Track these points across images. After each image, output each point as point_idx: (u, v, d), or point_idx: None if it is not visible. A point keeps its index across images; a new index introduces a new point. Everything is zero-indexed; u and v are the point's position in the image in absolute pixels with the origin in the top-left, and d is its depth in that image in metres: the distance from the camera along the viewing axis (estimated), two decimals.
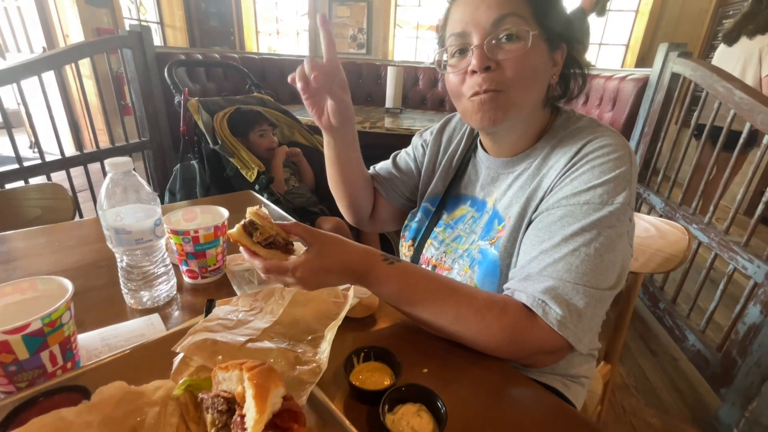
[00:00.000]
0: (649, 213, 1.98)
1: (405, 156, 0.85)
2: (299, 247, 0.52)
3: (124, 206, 0.52)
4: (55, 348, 0.40)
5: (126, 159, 0.50)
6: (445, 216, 0.75)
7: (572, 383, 0.70)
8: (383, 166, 0.87)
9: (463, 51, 0.57)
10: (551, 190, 0.56)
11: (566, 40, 0.59)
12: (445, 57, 0.60)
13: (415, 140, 0.85)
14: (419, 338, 0.54)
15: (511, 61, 0.54)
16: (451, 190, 0.76)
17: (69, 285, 0.43)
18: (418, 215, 0.80)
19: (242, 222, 0.47)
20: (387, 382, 0.44)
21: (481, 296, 0.51)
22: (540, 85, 0.58)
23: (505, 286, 0.55)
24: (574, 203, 0.52)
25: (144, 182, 0.53)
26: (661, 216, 1.83)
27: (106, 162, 0.48)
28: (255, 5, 5.57)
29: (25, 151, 3.82)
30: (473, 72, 0.54)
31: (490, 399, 0.46)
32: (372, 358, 0.47)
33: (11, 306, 0.42)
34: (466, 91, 0.57)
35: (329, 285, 0.52)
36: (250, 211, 0.48)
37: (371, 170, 0.87)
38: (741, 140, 1.45)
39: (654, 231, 0.91)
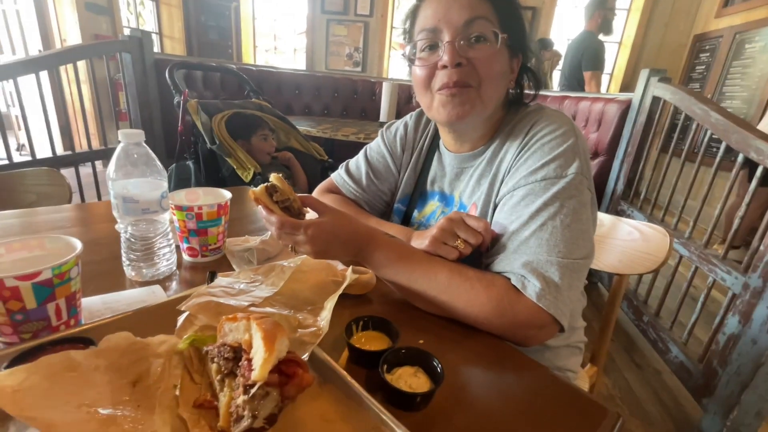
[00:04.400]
0: None
1: (381, 159, 0.82)
2: (310, 218, 0.55)
3: (132, 179, 0.54)
4: (62, 301, 0.41)
5: (138, 131, 0.51)
6: (416, 214, 0.78)
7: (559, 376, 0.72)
8: (359, 179, 0.82)
9: (433, 47, 0.60)
10: (509, 172, 0.60)
11: (523, 50, 0.64)
12: (413, 51, 0.62)
13: (389, 138, 0.82)
14: (415, 315, 0.56)
15: (481, 60, 0.58)
16: (418, 187, 0.78)
17: (78, 244, 0.43)
18: (393, 219, 0.81)
19: (265, 184, 0.52)
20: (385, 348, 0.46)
21: (471, 269, 0.54)
22: (503, 86, 0.62)
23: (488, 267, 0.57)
24: (533, 181, 0.56)
25: (153, 155, 0.54)
26: None
27: (119, 132, 0.50)
28: (254, 22, 5.69)
29: (13, 154, 3.75)
30: (444, 67, 0.58)
31: (484, 369, 0.48)
32: (371, 327, 0.49)
33: (19, 262, 0.43)
34: (435, 84, 0.60)
35: (333, 252, 0.55)
36: (273, 176, 0.53)
37: (351, 194, 0.82)
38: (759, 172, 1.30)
39: (637, 234, 0.96)
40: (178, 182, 1.65)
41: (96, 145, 2.45)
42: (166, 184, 0.56)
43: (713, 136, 1.55)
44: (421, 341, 0.50)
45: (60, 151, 2.24)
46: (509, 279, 0.53)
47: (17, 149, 4.27)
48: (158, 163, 0.55)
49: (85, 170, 2.22)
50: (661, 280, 1.82)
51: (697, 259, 1.54)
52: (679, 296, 1.64)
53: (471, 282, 0.52)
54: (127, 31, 2.48)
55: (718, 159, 1.52)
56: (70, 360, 0.33)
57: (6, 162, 1.90)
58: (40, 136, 2.09)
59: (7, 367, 0.34)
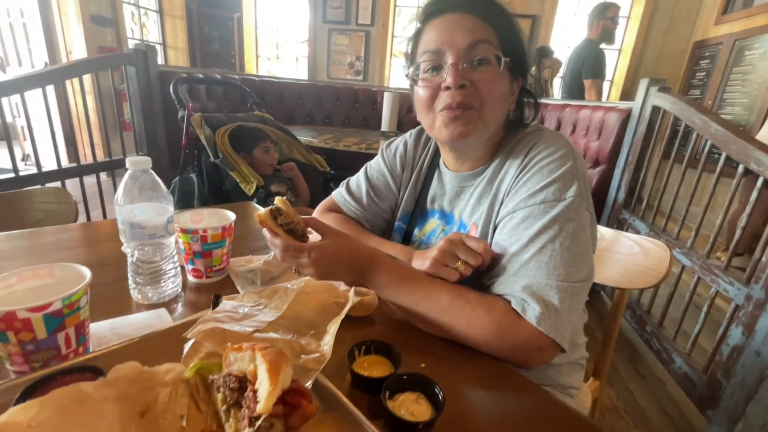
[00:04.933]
0: None
1: (381, 177, 0.83)
2: (314, 239, 0.57)
3: (139, 204, 0.55)
4: (71, 330, 0.42)
5: (145, 158, 0.53)
6: (417, 232, 0.78)
7: (561, 394, 0.72)
8: (359, 197, 0.83)
9: (436, 68, 0.61)
10: (508, 194, 0.61)
11: (523, 74, 0.65)
12: (416, 72, 0.63)
13: (389, 157, 0.83)
14: (417, 336, 0.56)
15: (483, 82, 0.59)
16: (418, 205, 0.79)
17: (87, 272, 0.45)
18: (394, 237, 0.82)
19: (270, 207, 0.53)
20: (387, 373, 0.46)
21: (472, 292, 0.55)
22: (504, 108, 0.64)
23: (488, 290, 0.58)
24: (532, 204, 0.57)
25: (160, 181, 0.56)
26: None
27: (127, 159, 0.51)
28: (256, 31, 5.75)
29: (18, 164, 3.79)
30: (447, 88, 0.59)
31: (485, 392, 0.48)
32: (373, 351, 0.49)
33: (30, 290, 0.44)
34: (438, 104, 0.61)
35: (336, 274, 0.56)
36: (278, 200, 0.54)
37: (351, 212, 0.83)
38: None
39: (638, 249, 0.96)
40: (182, 195, 1.67)
41: (100, 154, 2.47)
42: (172, 209, 0.57)
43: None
44: (423, 365, 0.50)
45: (64, 160, 2.27)
46: (509, 302, 0.53)
47: (22, 159, 4.32)
48: (164, 188, 0.56)
49: (89, 179, 2.25)
50: (664, 289, 1.82)
51: (699, 269, 1.54)
52: (682, 305, 1.63)
53: (472, 305, 0.53)
54: (131, 42, 2.53)
55: (719, 168, 1.53)
56: (80, 392, 0.34)
57: (12, 175, 1.92)
58: (45, 146, 2.11)
59: (19, 397, 0.35)
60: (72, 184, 2.18)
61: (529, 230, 0.56)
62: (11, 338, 0.38)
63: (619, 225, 2.19)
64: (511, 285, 0.54)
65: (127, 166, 0.52)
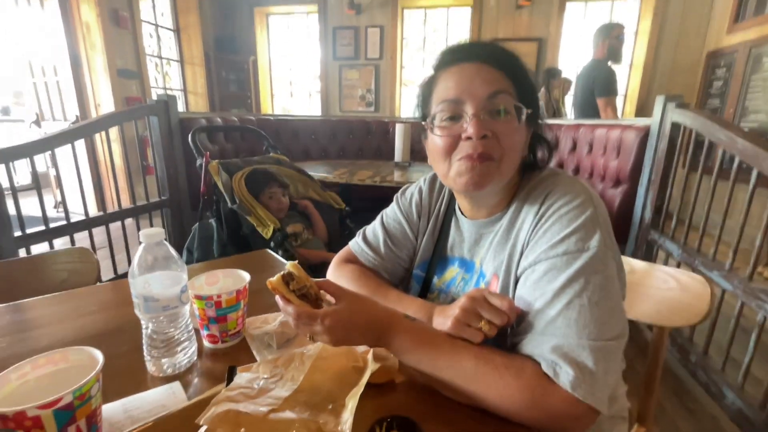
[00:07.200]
0: (666, 261, 1.94)
1: (397, 226, 0.81)
2: (328, 303, 0.56)
3: (153, 273, 0.55)
4: (82, 422, 0.40)
5: (159, 230, 0.53)
6: (436, 280, 0.76)
7: None
8: (377, 247, 0.80)
9: (454, 117, 0.60)
10: (528, 245, 0.58)
11: (535, 123, 0.64)
12: (432, 121, 0.62)
13: (404, 204, 0.81)
14: (443, 405, 0.53)
15: (503, 133, 0.58)
16: (437, 252, 0.76)
17: (99, 357, 0.44)
18: (413, 285, 0.80)
19: (282, 272, 0.53)
20: None
21: (499, 354, 0.51)
22: (520, 157, 0.62)
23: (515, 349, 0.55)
24: (553, 255, 0.53)
25: (174, 251, 0.55)
26: (679, 264, 1.80)
27: (141, 233, 0.52)
28: (270, 71, 6.01)
29: (50, 211, 3.97)
30: (468, 138, 0.58)
31: None
32: (395, 428, 0.46)
33: (43, 378, 0.43)
34: (457, 154, 0.60)
35: (352, 340, 0.54)
36: (290, 264, 0.54)
37: (369, 262, 0.80)
38: None
39: (674, 283, 0.90)
40: (201, 241, 1.69)
41: (125, 199, 2.57)
42: (185, 277, 0.57)
43: None
44: None
45: (92, 206, 2.36)
46: (539, 364, 0.49)
47: (54, 207, 4.55)
48: (177, 256, 0.56)
49: (115, 224, 2.35)
50: None
51: (742, 293, 1.43)
52: (727, 330, 1.52)
53: (499, 371, 0.49)
54: (154, 92, 2.65)
55: (752, 184, 1.45)
56: None
57: (42, 227, 1.99)
58: (75, 193, 2.21)
59: None
60: (99, 230, 2.27)
61: (553, 284, 0.52)
62: None
63: (648, 246, 2.09)
64: (539, 344, 0.51)
65: (141, 239, 0.52)
